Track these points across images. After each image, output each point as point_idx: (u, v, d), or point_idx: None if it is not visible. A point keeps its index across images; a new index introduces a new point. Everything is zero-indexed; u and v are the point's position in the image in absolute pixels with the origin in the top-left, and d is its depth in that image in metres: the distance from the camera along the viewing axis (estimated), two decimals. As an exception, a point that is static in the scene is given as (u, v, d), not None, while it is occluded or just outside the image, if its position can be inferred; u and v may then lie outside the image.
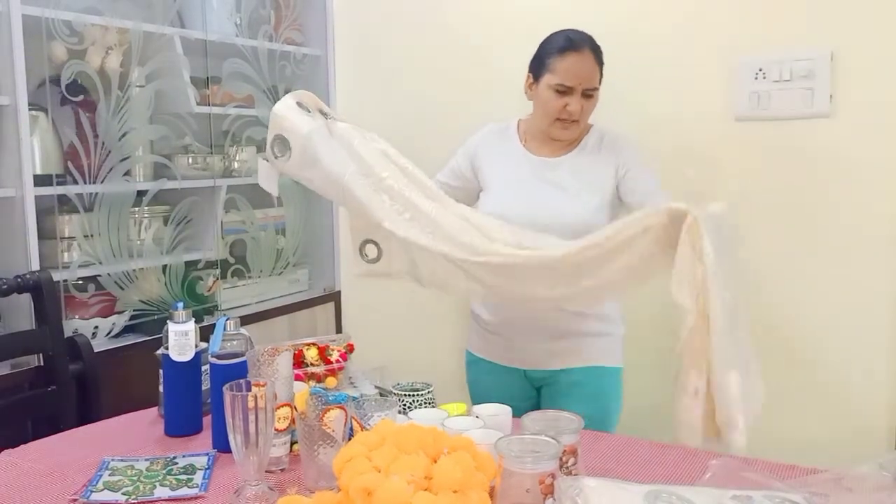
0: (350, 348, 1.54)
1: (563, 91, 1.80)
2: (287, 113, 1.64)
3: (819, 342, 2.09)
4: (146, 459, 1.35)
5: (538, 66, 1.86)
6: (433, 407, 1.47)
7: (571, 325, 1.87)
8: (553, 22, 1.91)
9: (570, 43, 1.81)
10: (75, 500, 1.20)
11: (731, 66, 2.14)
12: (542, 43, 1.88)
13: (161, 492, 1.22)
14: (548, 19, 2.37)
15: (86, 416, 1.93)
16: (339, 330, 2.92)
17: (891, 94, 1.98)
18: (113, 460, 1.34)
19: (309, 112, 1.66)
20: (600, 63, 1.84)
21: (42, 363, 1.96)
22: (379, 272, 1.60)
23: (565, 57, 1.80)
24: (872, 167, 2.00)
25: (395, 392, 1.48)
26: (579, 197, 1.83)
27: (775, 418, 2.13)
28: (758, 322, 1.96)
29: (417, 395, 1.48)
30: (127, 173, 2.23)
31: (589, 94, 1.82)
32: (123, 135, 2.21)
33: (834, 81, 2.03)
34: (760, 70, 2.10)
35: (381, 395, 1.48)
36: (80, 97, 2.11)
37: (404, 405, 1.46)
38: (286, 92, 2.72)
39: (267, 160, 1.67)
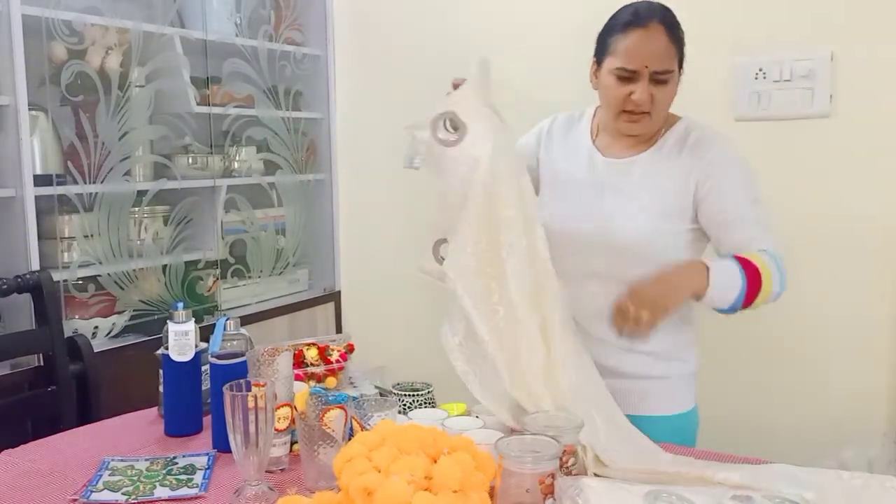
0: (350, 348, 1.54)
1: (627, 77, 1.48)
2: (470, 99, 1.46)
3: (818, 342, 2.08)
4: (146, 459, 1.35)
5: (600, 47, 1.55)
6: (433, 407, 1.47)
7: (622, 365, 1.55)
8: (553, 21, 1.91)
9: (636, 17, 1.48)
10: (75, 500, 1.20)
11: (731, 66, 2.14)
12: (607, 22, 1.57)
13: (161, 492, 1.22)
14: (548, 19, 2.38)
15: (86, 416, 1.93)
16: (339, 330, 2.92)
17: (891, 94, 1.98)
18: (113, 460, 1.34)
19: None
20: (677, 41, 1.50)
21: (42, 363, 1.96)
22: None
23: (628, 34, 1.47)
24: (872, 167, 2.00)
25: (395, 392, 1.48)
26: (643, 210, 1.52)
27: (775, 417, 2.13)
28: (756, 321, 1.96)
29: (417, 395, 1.48)
30: (127, 173, 2.23)
31: (662, 80, 1.48)
32: (123, 135, 2.21)
33: (834, 81, 2.03)
34: (760, 70, 2.10)
35: (381, 395, 1.47)
36: (80, 97, 2.11)
37: (404, 405, 1.46)
38: (286, 92, 2.74)
39: (416, 136, 1.50)
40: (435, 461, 1.02)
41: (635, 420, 1.44)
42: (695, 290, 1.39)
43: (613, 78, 1.50)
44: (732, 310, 1.43)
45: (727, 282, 1.39)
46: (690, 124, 1.57)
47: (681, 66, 1.52)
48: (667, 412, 1.57)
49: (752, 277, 1.40)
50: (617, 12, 1.54)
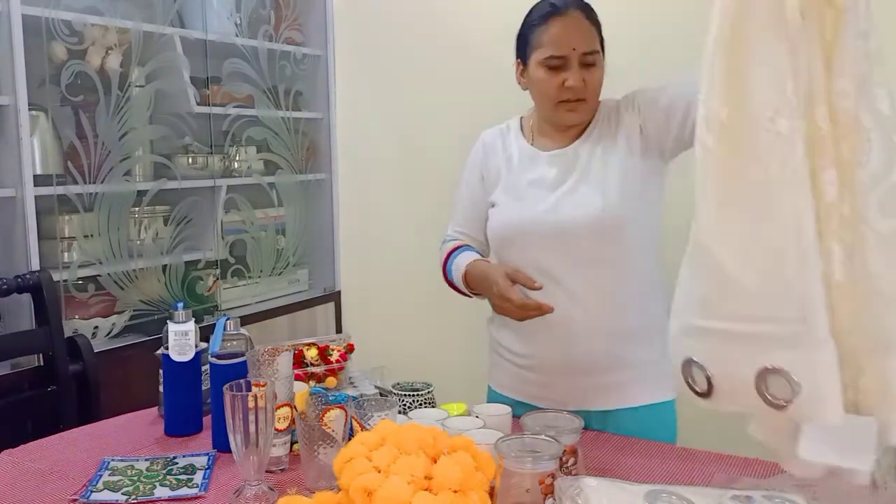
0: (350, 348, 1.54)
1: (557, 65, 1.49)
2: None
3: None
4: (146, 459, 1.35)
5: (522, 46, 1.57)
6: (433, 407, 1.47)
7: (627, 352, 1.52)
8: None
9: (553, 7, 1.51)
10: (75, 500, 1.20)
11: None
12: (524, 19, 1.59)
13: (161, 492, 1.22)
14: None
15: (86, 416, 1.93)
16: (339, 330, 2.93)
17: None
18: (113, 460, 1.34)
19: None
20: (595, 23, 1.53)
21: (42, 363, 1.96)
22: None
23: (550, 24, 1.50)
24: (872, 167, 2.00)
25: (395, 392, 1.48)
26: (605, 182, 1.50)
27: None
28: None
29: (417, 395, 1.48)
30: (127, 173, 2.23)
31: (590, 62, 1.49)
32: (123, 135, 2.21)
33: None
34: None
35: (381, 395, 1.47)
36: (80, 97, 2.11)
37: (404, 405, 1.46)
38: (286, 92, 2.75)
39: None
40: (435, 461, 1.02)
41: (612, 414, 1.51)
42: None
43: (543, 70, 1.50)
44: None
45: None
46: (609, 102, 1.58)
47: (603, 51, 1.53)
48: (645, 402, 1.53)
49: None
50: (531, 10, 1.56)
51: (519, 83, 1.61)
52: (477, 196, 1.67)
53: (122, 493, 1.21)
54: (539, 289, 1.42)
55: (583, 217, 1.48)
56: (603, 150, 1.54)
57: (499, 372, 1.65)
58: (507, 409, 1.37)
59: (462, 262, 1.60)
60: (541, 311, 1.40)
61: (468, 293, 1.62)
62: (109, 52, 2.17)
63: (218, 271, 2.53)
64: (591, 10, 1.53)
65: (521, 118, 1.70)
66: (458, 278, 1.60)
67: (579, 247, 1.49)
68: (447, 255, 1.67)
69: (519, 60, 1.59)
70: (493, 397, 1.64)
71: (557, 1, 1.52)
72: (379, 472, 1.00)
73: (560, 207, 1.50)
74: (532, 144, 1.62)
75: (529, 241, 1.52)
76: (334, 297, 2.94)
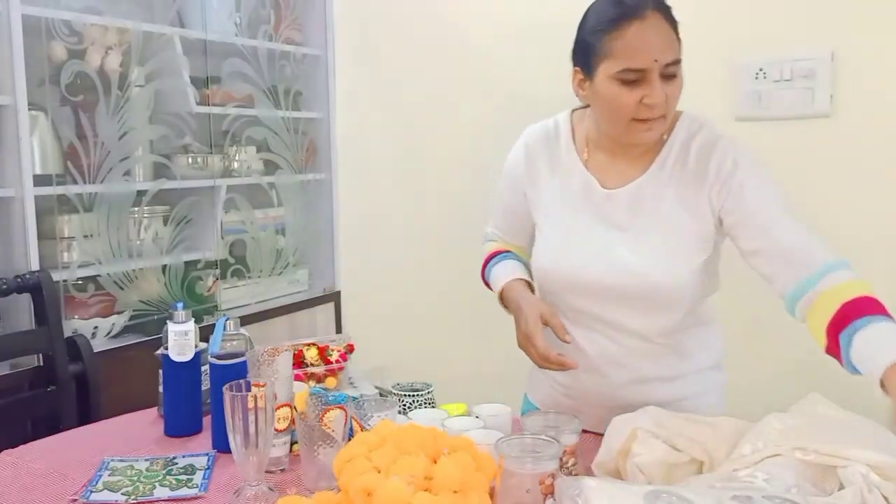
0: (350, 348, 1.54)
1: (634, 79, 1.25)
2: None
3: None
4: (146, 459, 1.35)
5: (586, 53, 1.31)
6: (433, 407, 1.46)
7: (665, 393, 1.40)
8: (553, 21, 1.91)
9: (625, 8, 1.25)
10: (75, 500, 1.20)
11: (731, 66, 2.14)
12: (583, 19, 1.33)
13: (161, 492, 1.22)
14: (547, 18, 2.38)
15: (86, 416, 1.93)
16: (339, 330, 2.93)
17: (891, 94, 1.98)
18: (113, 460, 1.34)
19: None
20: (675, 25, 1.29)
21: (42, 363, 1.96)
22: None
23: (624, 30, 1.24)
24: (872, 167, 2.00)
25: (395, 392, 1.48)
26: (655, 250, 1.33)
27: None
28: (756, 321, 1.97)
29: (417, 395, 1.47)
30: (127, 173, 2.23)
31: (671, 73, 1.27)
32: (123, 135, 2.21)
33: (834, 81, 2.03)
34: (761, 70, 2.10)
35: (381, 395, 1.47)
36: (80, 97, 2.11)
37: (404, 405, 1.46)
38: (286, 92, 2.75)
39: None
40: (435, 461, 1.02)
41: None
42: None
43: (616, 84, 1.27)
44: None
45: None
46: (691, 125, 1.37)
47: None
48: None
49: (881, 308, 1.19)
50: (595, 9, 1.32)
51: (577, 94, 1.38)
52: (518, 208, 1.51)
53: (121, 494, 1.21)
54: (567, 343, 1.34)
55: (640, 283, 1.33)
56: (675, 195, 1.34)
57: (537, 386, 1.57)
58: (507, 409, 1.37)
59: (500, 276, 1.51)
60: (562, 367, 1.32)
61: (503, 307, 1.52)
62: (109, 51, 2.17)
63: (218, 271, 2.53)
64: (669, 7, 1.29)
65: (572, 119, 1.47)
66: (495, 291, 1.53)
67: (630, 304, 1.36)
68: (487, 258, 1.58)
69: (578, 69, 1.35)
70: (528, 407, 1.60)
71: None
72: (379, 472, 1.00)
73: (616, 264, 1.34)
74: (587, 165, 1.41)
75: (577, 291, 1.40)
76: (334, 297, 2.94)
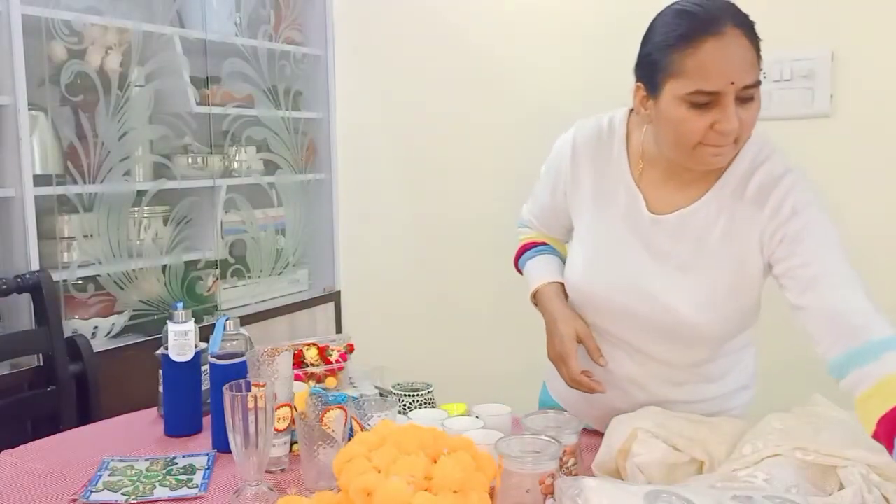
0: (350, 348, 1.54)
1: (706, 102, 1.13)
2: None
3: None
4: (146, 459, 1.35)
5: (651, 69, 1.18)
6: (433, 407, 1.46)
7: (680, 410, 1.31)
8: (553, 21, 1.90)
9: (699, 23, 1.11)
10: (75, 500, 1.20)
11: (731, 66, 2.14)
12: (649, 30, 1.20)
13: (161, 492, 1.22)
14: (548, 18, 2.38)
15: (86, 416, 1.93)
16: (339, 330, 2.93)
17: (891, 94, 1.98)
18: (113, 460, 1.34)
19: None
20: (756, 40, 1.15)
21: (42, 363, 1.96)
22: None
23: (698, 47, 1.11)
24: (872, 167, 2.00)
25: (395, 392, 1.48)
26: (700, 287, 1.24)
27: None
28: (757, 322, 1.95)
29: (417, 395, 1.48)
30: (127, 173, 2.23)
31: (749, 96, 1.14)
32: (123, 135, 2.21)
33: (834, 81, 2.03)
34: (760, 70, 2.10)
35: (381, 395, 1.47)
36: (80, 97, 2.11)
37: (404, 405, 1.46)
38: (286, 92, 2.75)
39: None
40: (435, 461, 1.02)
41: None
42: None
43: (685, 106, 1.14)
44: None
45: None
46: (759, 154, 1.24)
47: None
48: None
49: None
50: (662, 20, 1.18)
51: (638, 112, 1.24)
52: (559, 206, 1.42)
53: (121, 494, 1.21)
54: (602, 366, 1.31)
55: (670, 320, 1.26)
56: (725, 231, 1.24)
57: (558, 382, 1.44)
58: (507, 409, 1.37)
59: (535, 275, 1.45)
60: (591, 390, 1.29)
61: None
62: (109, 51, 2.17)
63: (218, 271, 2.53)
64: (752, 24, 1.14)
65: (629, 122, 1.33)
66: (529, 288, 1.46)
67: (658, 335, 1.31)
68: (522, 248, 1.51)
69: (641, 85, 1.21)
70: (545, 398, 1.56)
71: (705, 11, 1.12)
72: (379, 472, 1.00)
73: (647, 296, 1.27)
74: (638, 182, 1.30)
75: (604, 314, 1.35)
76: (334, 297, 2.94)
